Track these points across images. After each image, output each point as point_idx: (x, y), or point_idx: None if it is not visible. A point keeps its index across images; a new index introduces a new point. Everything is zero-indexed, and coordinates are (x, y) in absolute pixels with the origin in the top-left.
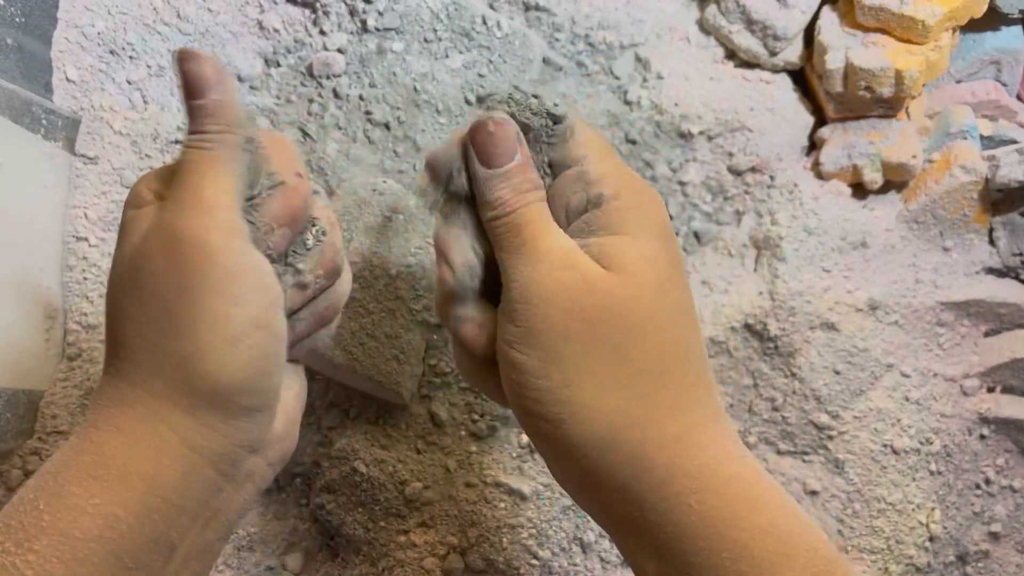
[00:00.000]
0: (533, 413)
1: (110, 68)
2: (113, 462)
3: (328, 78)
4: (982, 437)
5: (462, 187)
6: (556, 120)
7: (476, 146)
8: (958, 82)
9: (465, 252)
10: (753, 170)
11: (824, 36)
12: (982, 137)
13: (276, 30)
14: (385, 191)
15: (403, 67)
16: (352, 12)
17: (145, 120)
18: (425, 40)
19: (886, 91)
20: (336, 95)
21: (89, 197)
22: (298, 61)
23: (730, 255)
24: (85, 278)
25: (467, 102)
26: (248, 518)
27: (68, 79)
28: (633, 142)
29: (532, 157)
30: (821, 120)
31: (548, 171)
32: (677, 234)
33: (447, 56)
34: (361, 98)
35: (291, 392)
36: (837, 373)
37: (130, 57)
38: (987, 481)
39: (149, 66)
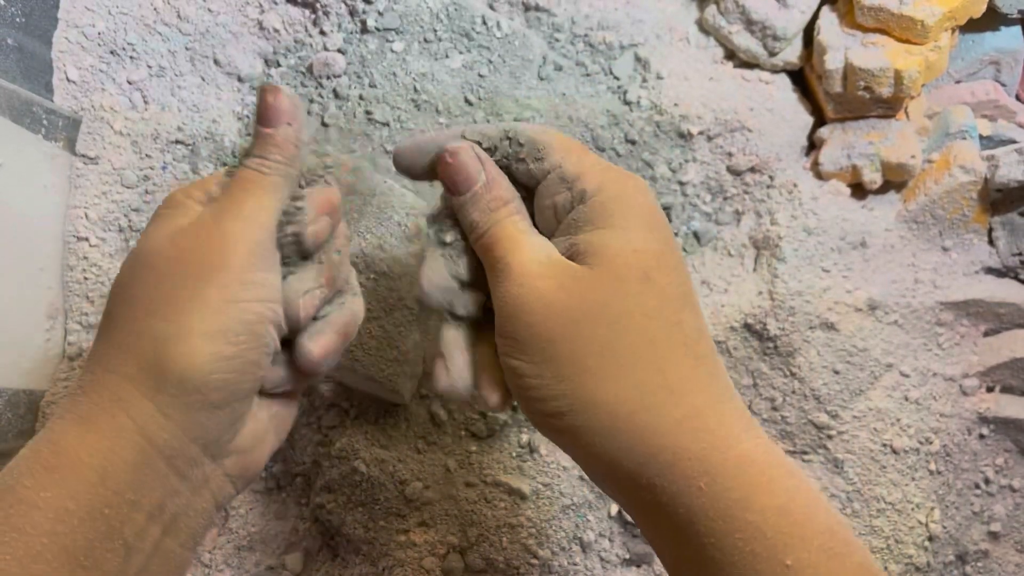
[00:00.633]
0: (537, 410)
1: (110, 68)
2: (67, 452)
3: (328, 78)
4: (981, 437)
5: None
6: (518, 141)
7: (442, 179)
8: (957, 82)
9: (460, 355)
10: (753, 170)
11: (823, 36)
12: (981, 137)
13: (276, 30)
14: (386, 191)
15: (403, 67)
16: (352, 12)
17: (145, 120)
18: (425, 40)
19: (885, 91)
20: (336, 95)
21: (89, 197)
22: (298, 61)
23: (730, 255)
24: (85, 278)
25: (467, 102)
26: (248, 518)
27: (68, 79)
28: (633, 142)
29: (506, 174)
30: (820, 120)
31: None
32: (677, 234)
33: (447, 56)
34: (361, 98)
35: (268, 412)
36: (836, 373)
37: (131, 57)
38: (986, 481)
39: (150, 66)
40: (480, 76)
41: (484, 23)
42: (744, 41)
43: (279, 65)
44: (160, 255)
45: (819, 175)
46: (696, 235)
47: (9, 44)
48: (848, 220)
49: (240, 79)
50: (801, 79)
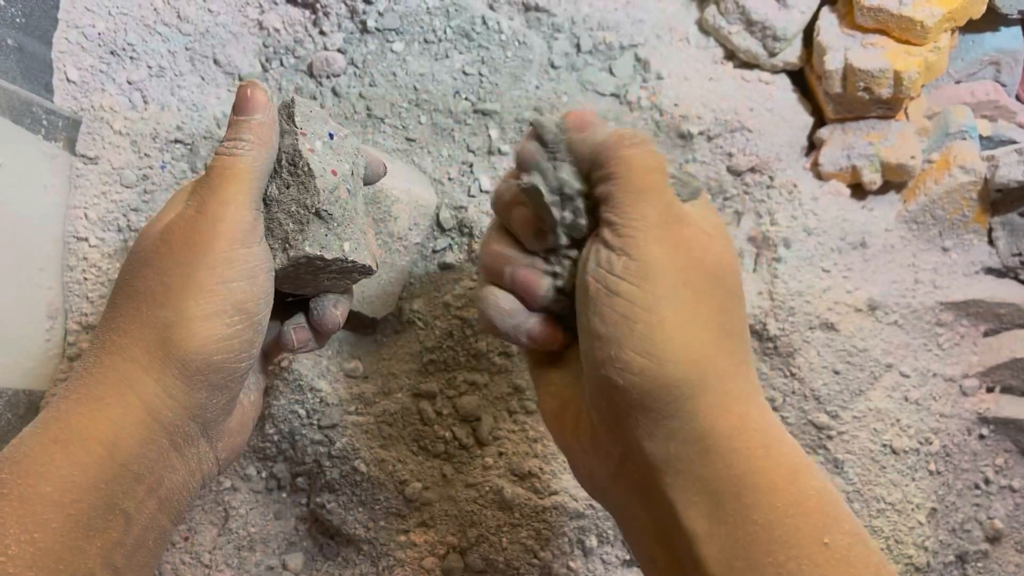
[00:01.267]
0: (636, 349)
1: (110, 68)
2: (76, 428)
3: (328, 77)
4: (981, 437)
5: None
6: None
7: (570, 122)
8: (957, 83)
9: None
10: (752, 170)
11: (823, 37)
12: (981, 137)
13: (276, 30)
14: (385, 189)
15: (403, 67)
16: (352, 12)
17: (145, 120)
18: (425, 40)
19: (885, 92)
20: (336, 94)
21: (89, 197)
22: (297, 61)
23: None
24: (85, 278)
25: (467, 102)
26: (248, 518)
27: (68, 79)
28: None
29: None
30: (820, 121)
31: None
32: None
33: (447, 56)
34: (361, 96)
35: (249, 397)
36: (836, 373)
37: (130, 57)
38: (986, 481)
39: (149, 66)
40: (480, 76)
41: (484, 23)
42: (744, 41)
43: (281, 64)
44: (154, 250)
45: (819, 175)
46: None
47: (9, 44)
48: (848, 220)
49: (240, 79)
50: (801, 79)
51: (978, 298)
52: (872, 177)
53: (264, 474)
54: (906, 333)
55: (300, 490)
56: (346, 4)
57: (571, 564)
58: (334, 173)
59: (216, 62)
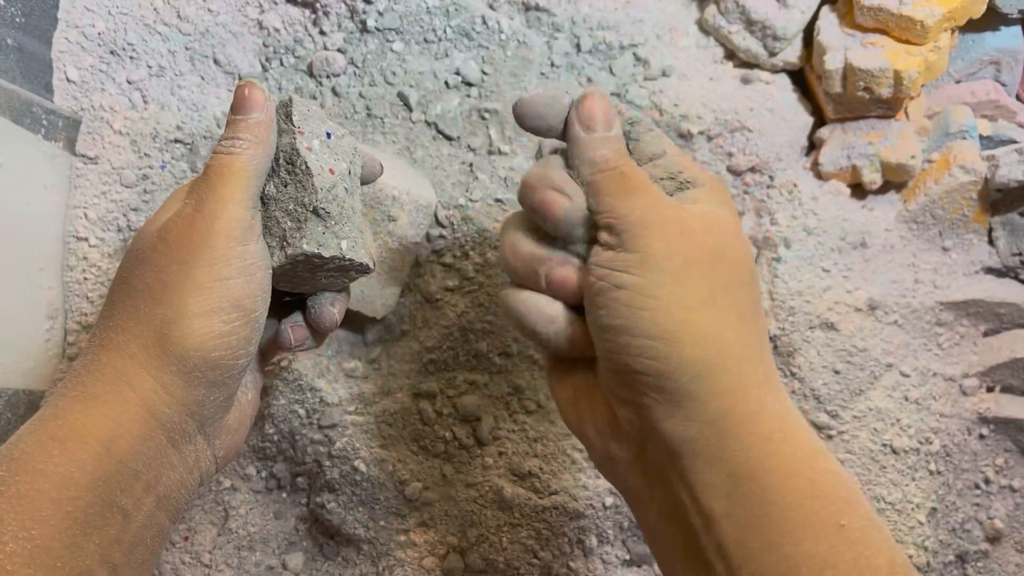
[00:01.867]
0: (643, 333)
1: (110, 68)
2: (73, 425)
3: (328, 77)
4: (981, 437)
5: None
6: (639, 122)
7: (583, 111)
8: (957, 82)
9: (578, 189)
10: (752, 170)
11: (823, 36)
12: (981, 137)
13: (276, 30)
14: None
15: (403, 67)
16: (352, 12)
17: (145, 120)
18: (425, 40)
19: (885, 92)
20: (336, 94)
21: (89, 197)
22: (297, 61)
23: None
24: (85, 278)
25: (471, 106)
26: (248, 518)
27: (68, 79)
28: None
29: None
30: (820, 120)
31: None
32: None
33: (447, 56)
34: (361, 96)
35: (247, 395)
36: (836, 373)
37: (130, 57)
38: (987, 481)
39: (149, 66)
40: (481, 76)
41: (484, 23)
42: (744, 41)
43: (281, 64)
44: (152, 248)
45: (819, 175)
46: None
47: (9, 44)
48: (848, 220)
49: (240, 78)
50: (801, 79)
51: (978, 298)
52: (872, 177)
53: (264, 474)
54: (906, 333)
55: (300, 490)
56: (346, 4)
57: (571, 564)
58: (332, 172)
59: (216, 62)
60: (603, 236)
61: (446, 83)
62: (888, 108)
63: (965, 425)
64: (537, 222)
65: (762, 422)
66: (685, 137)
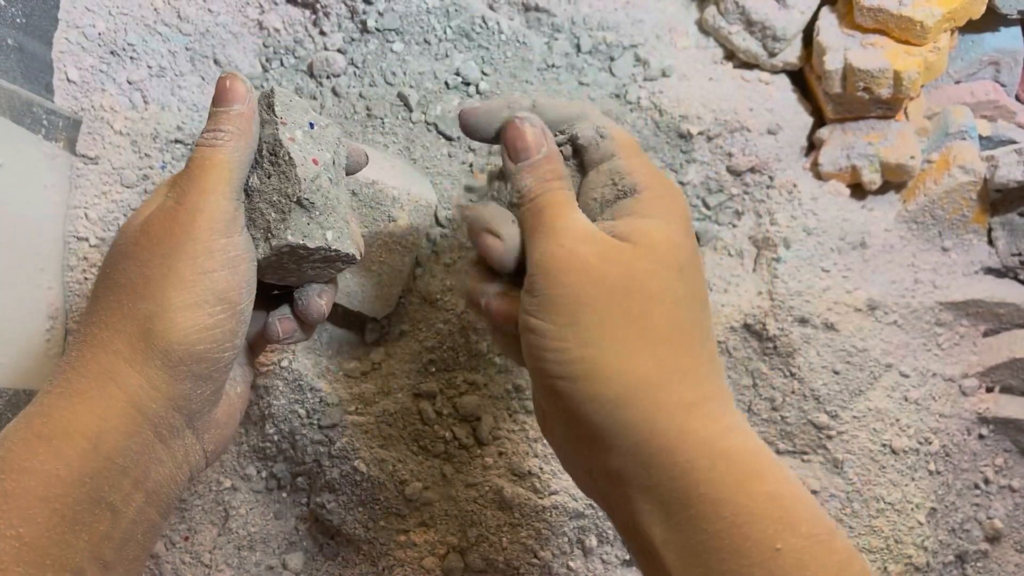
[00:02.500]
0: (551, 373)
1: (111, 68)
2: (59, 422)
3: (328, 77)
4: (981, 437)
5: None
6: (591, 123)
7: (506, 142)
8: (957, 83)
9: (512, 228)
10: (752, 170)
11: (823, 37)
12: (981, 137)
13: (276, 30)
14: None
15: (403, 67)
16: (352, 13)
17: (145, 120)
18: (425, 41)
19: (884, 92)
20: (336, 94)
21: (90, 197)
22: (297, 61)
23: (729, 255)
24: (86, 278)
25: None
26: (248, 518)
27: (69, 79)
28: None
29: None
30: (820, 121)
31: (576, 170)
32: None
33: (447, 56)
34: (361, 96)
35: (236, 389)
36: (836, 373)
37: (131, 58)
38: (986, 481)
39: (150, 66)
40: (481, 76)
41: (484, 23)
42: (744, 41)
43: (282, 64)
44: (135, 242)
45: (819, 175)
46: (696, 235)
47: (9, 44)
48: (848, 220)
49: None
50: (801, 80)
51: (978, 298)
52: (872, 177)
53: (264, 474)
54: (906, 333)
55: (300, 490)
56: (346, 4)
57: (571, 564)
58: (315, 162)
59: (216, 62)
60: (526, 275)
61: (446, 83)
62: (888, 108)
63: (965, 425)
64: None
65: (684, 452)
66: (685, 137)
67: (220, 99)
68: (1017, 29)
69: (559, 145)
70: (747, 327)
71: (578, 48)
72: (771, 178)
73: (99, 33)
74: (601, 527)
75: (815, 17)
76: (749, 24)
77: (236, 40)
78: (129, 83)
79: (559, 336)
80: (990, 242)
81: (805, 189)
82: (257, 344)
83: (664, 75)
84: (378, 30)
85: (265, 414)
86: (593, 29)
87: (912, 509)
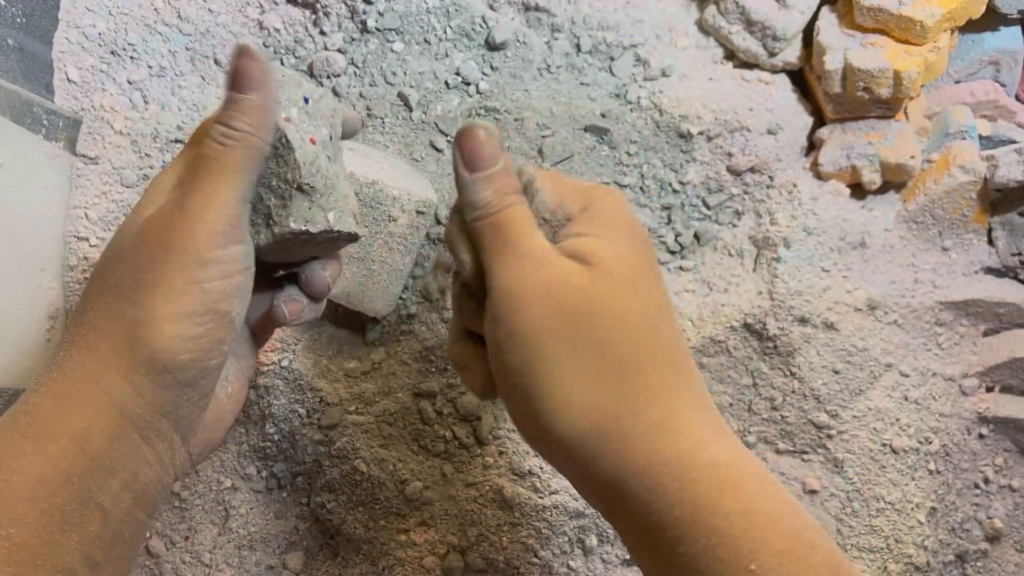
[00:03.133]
0: (523, 413)
1: (111, 68)
2: (45, 423)
3: (328, 77)
4: (981, 436)
5: None
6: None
7: (462, 151)
8: (957, 82)
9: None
10: (752, 170)
11: (823, 37)
12: (981, 137)
13: (276, 30)
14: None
15: (403, 67)
16: (352, 12)
17: (146, 120)
18: (425, 40)
19: (884, 92)
20: (336, 94)
21: (90, 197)
22: (298, 61)
23: (729, 255)
24: (85, 278)
25: (471, 107)
26: (248, 518)
27: (69, 79)
28: (633, 142)
29: None
30: (820, 120)
31: None
32: (678, 235)
33: (447, 56)
34: (361, 96)
35: (226, 390)
36: (836, 372)
37: (131, 57)
38: (986, 480)
39: (150, 66)
40: (482, 75)
41: (484, 23)
42: (744, 41)
43: (282, 64)
44: (130, 245)
45: (819, 175)
46: (696, 235)
47: (9, 44)
48: (848, 220)
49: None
50: (801, 79)
51: (978, 298)
52: (872, 177)
53: (264, 474)
54: (906, 333)
55: (300, 490)
56: (346, 4)
57: (571, 563)
58: (312, 142)
59: (217, 62)
60: (487, 302)
61: (446, 83)
62: (888, 108)
63: (964, 425)
64: None
65: (654, 477)
66: (685, 137)
67: (235, 82)
68: (1017, 29)
69: None
70: (747, 327)
71: (578, 48)
72: (771, 178)
73: (99, 33)
74: (601, 526)
75: (815, 17)
76: (749, 24)
77: (236, 40)
78: (129, 83)
79: (528, 371)
80: (990, 242)
81: (805, 189)
82: (263, 329)
83: (664, 75)
84: (378, 30)
85: (265, 414)
86: (593, 29)
87: (912, 509)
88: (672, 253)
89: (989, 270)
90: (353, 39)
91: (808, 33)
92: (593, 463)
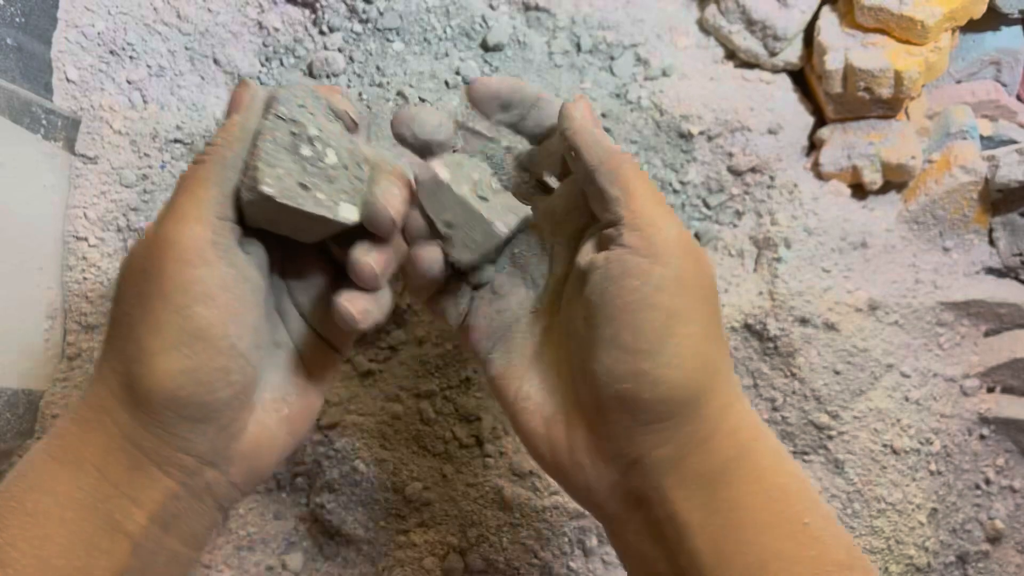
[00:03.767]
0: (668, 363)
1: (110, 68)
2: (70, 448)
3: (328, 77)
4: (982, 437)
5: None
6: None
7: (582, 107)
8: (958, 82)
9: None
10: (753, 170)
11: (824, 36)
12: (982, 137)
13: (276, 30)
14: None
15: (403, 67)
16: (352, 12)
17: (145, 120)
18: (425, 40)
19: (885, 92)
20: None
21: (89, 197)
22: (297, 61)
23: (730, 255)
24: (85, 278)
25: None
26: (248, 518)
27: (68, 79)
28: (633, 142)
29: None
30: (821, 120)
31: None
32: None
33: (447, 56)
34: (361, 96)
35: (281, 412)
36: (837, 373)
37: (130, 57)
38: (987, 481)
39: (149, 66)
40: (481, 75)
41: (484, 23)
42: (744, 41)
43: (281, 64)
44: (122, 278)
45: (819, 175)
46: (697, 235)
47: (8, 44)
48: (848, 220)
49: (239, 78)
50: (801, 79)
51: (979, 298)
52: (873, 177)
53: None
54: (907, 333)
55: (300, 490)
56: (346, 3)
57: (571, 564)
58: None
59: (216, 62)
60: (629, 237)
61: (446, 83)
62: (888, 108)
63: (966, 426)
64: None
65: (742, 433)
66: (685, 137)
67: (228, 108)
68: (1018, 28)
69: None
70: (748, 327)
71: (578, 48)
72: (772, 178)
73: (98, 33)
74: (601, 527)
75: (816, 17)
76: (750, 23)
77: (236, 39)
78: (128, 83)
79: (689, 320)
80: (991, 242)
81: (806, 189)
82: (333, 336)
83: (665, 75)
84: (378, 29)
85: None
86: (593, 28)
87: (913, 509)
88: None
89: (990, 270)
90: (353, 39)
91: (809, 33)
92: (696, 418)
